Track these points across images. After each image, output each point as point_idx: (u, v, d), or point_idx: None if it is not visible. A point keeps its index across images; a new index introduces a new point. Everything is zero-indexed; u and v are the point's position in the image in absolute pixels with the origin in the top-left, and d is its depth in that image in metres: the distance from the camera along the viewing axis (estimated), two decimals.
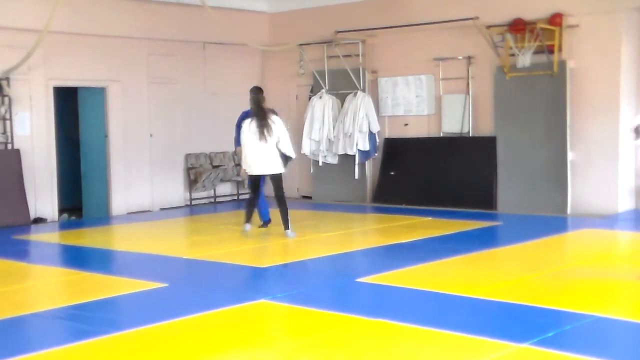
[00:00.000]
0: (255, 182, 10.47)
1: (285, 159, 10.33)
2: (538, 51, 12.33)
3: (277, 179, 10.31)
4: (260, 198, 10.92)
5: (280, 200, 10.37)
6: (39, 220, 12.52)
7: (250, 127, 10.11)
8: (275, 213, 10.77)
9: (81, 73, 13.16)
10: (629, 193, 12.23)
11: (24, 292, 7.72)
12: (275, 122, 10.14)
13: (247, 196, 11.70)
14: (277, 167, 10.23)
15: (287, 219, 10.34)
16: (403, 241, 10.02)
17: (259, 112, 10.09)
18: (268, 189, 10.88)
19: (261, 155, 10.11)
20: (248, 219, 10.46)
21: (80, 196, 13.99)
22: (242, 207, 12.39)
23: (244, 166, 10.37)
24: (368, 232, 11.71)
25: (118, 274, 8.43)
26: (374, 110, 14.26)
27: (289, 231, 10.33)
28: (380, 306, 6.80)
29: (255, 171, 10.25)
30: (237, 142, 10.59)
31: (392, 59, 14.33)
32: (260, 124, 10.02)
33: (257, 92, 10.25)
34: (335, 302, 7.02)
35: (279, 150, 10.18)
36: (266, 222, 11.19)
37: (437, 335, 5.67)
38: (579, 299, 6.77)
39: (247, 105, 10.76)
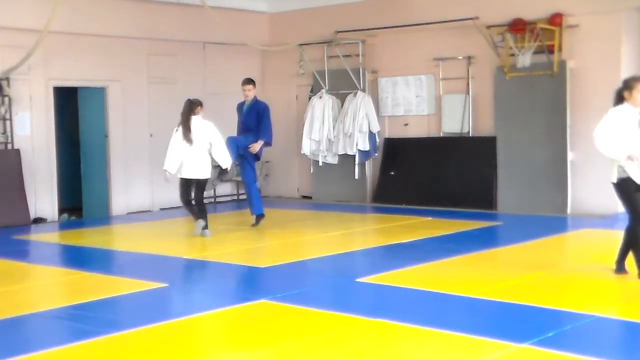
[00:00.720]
0: (186, 185, 10.61)
1: (221, 169, 10.63)
2: (538, 51, 12.33)
3: (201, 184, 10.51)
4: (255, 190, 11.17)
5: (199, 202, 10.62)
6: (39, 220, 12.52)
7: (178, 133, 10.41)
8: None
9: (81, 73, 13.16)
10: None
11: (24, 292, 7.72)
12: (206, 129, 10.36)
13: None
14: (204, 173, 10.45)
15: (206, 219, 10.51)
16: (403, 241, 10.02)
17: (184, 122, 10.35)
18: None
19: (189, 160, 10.33)
20: (196, 217, 10.59)
21: (80, 196, 13.98)
22: (242, 207, 12.42)
23: (173, 169, 10.45)
24: (368, 232, 11.70)
25: (118, 274, 8.43)
26: (374, 110, 14.25)
27: (207, 230, 10.49)
28: (380, 306, 6.80)
29: (184, 174, 10.47)
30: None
31: (392, 59, 14.33)
32: (184, 133, 10.29)
33: (189, 105, 10.47)
34: (335, 302, 7.02)
35: (211, 157, 10.46)
36: (261, 215, 11.21)
37: (437, 335, 5.67)
38: (579, 299, 6.77)
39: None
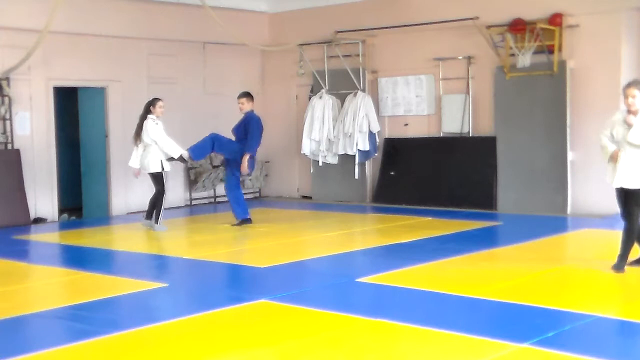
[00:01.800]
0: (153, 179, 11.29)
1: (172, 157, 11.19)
2: (538, 51, 12.33)
3: (154, 176, 11.20)
4: (235, 196, 11.45)
5: (157, 197, 11.18)
6: (39, 220, 12.52)
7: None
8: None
9: (81, 73, 13.16)
10: None
11: (24, 292, 7.72)
12: (150, 128, 11.00)
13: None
14: (152, 167, 11.09)
15: (159, 215, 11.16)
16: (403, 241, 10.02)
17: (138, 122, 11.15)
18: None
19: (142, 156, 11.16)
20: (148, 216, 11.33)
21: (80, 196, 13.98)
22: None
23: (136, 165, 11.32)
24: (368, 232, 11.70)
25: (118, 274, 8.43)
26: (374, 110, 14.26)
27: (157, 225, 11.14)
28: (380, 306, 6.80)
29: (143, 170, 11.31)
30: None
31: (392, 59, 14.33)
32: (135, 132, 11.16)
33: (147, 106, 11.20)
34: (335, 302, 7.02)
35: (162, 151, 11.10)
36: (244, 220, 11.28)
37: (437, 335, 5.67)
38: (579, 299, 6.77)
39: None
